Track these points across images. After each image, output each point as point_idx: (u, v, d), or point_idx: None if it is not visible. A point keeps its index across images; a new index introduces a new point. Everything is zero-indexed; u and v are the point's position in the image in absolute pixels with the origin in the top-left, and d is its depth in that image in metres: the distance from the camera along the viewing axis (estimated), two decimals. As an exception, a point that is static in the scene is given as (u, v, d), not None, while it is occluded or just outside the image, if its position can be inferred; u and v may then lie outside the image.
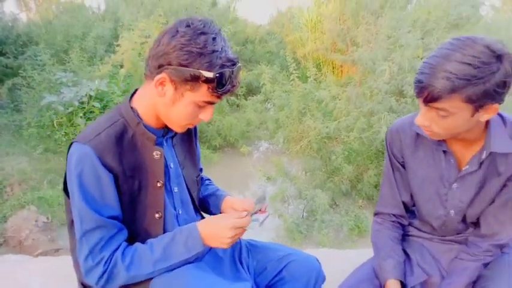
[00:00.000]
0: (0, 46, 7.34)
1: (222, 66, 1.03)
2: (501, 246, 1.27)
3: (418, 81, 1.07)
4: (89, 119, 5.81)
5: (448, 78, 1.02)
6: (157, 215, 1.16)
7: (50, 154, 5.60)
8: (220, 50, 1.03)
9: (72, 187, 1.07)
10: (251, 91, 7.37)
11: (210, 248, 1.32)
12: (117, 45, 6.07)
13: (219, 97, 1.08)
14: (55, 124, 5.76)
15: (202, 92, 1.05)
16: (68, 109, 5.71)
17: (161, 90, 1.08)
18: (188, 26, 1.05)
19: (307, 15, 7.72)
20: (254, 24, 9.12)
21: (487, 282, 1.16)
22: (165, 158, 1.19)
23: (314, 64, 6.76)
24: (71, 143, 1.10)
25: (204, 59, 1.02)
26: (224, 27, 7.29)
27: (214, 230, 1.10)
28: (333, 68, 7.32)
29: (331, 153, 4.82)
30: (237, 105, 6.84)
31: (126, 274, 1.06)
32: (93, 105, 5.76)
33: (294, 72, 5.99)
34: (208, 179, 1.54)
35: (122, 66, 6.23)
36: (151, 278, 1.10)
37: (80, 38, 7.26)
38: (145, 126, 1.15)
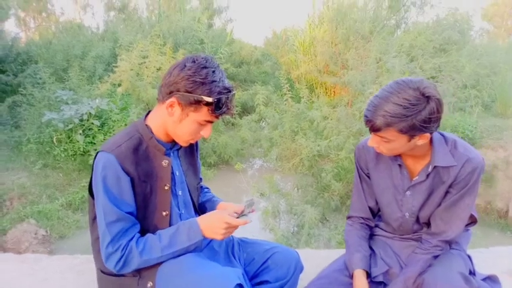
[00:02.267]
0: (0, 64, 7.64)
1: (220, 93, 1.32)
2: (449, 242, 1.56)
3: (365, 116, 1.41)
4: (87, 135, 6.11)
5: (384, 116, 1.34)
6: (164, 213, 1.44)
7: (48, 170, 5.86)
8: (218, 80, 1.34)
9: (98, 187, 1.35)
10: (246, 110, 7.71)
11: (209, 242, 1.61)
12: (116, 66, 6.38)
13: (217, 117, 1.36)
14: (54, 140, 6.05)
15: (203, 113, 1.34)
16: (67, 126, 6.00)
17: (171, 111, 1.36)
18: (194, 61, 1.36)
19: (301, 38, 8.13)
20: (250, 46, 9.55)
21: (429, 268, 1.45)
22: (172, 166, 1.48)
23: (307, 85, 7.13)
24: (97, 152, 1.39)
25: (205, 87, 1.31)
26: (220, 49, 7.68)
27: (210, 223, 1.38)
28: (325, 89, 7.69)
29: (322, 171, 5.11)
30: (232, 124, 7.15)
31: (139, 258, 1.33)
32: (92, 123, 6.06)
33: (287, 92, 6.35)
34: (207, 188, 1.85)
35: (119, 85, 6.54)
36: (160, 264, 1.38)
37: (79, 57, 7.61)
38: (157, 140, 1.44)
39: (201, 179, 1.76)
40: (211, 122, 1.39)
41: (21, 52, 8.16)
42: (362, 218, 1.71)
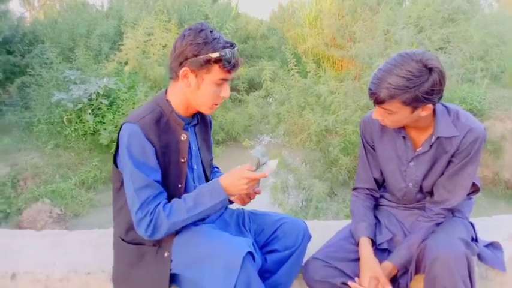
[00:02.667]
0: (7, 45, 7.70)
1: (224, 47, 1.39)
2: (451, 210, 1.63)
3: (369, 89, 1.46)
4: (97, 115, 6.20)
5: (388, 88, 1.38)
6: (180, 185, 1.53)
7: (60, 149, 5.99)
8: (218, 37, 1.42)
9: (124, 156, 1.42)
10: (253, 86, 7.72)
11: (221, 214, 1.70)
12: (122, 44, 6.42)
13: (229, 72, 1.41)
14: (64, 121, 6.15)
15: (216, 71, 1.40)
16: (76, 106, 6.09)
17: (187, 82, 1.43)
18: (190, 29, 1.45)
19: (308, 10, 8.05)
20: (256, 20, 9.47)
21: (431, 234, 1.52)
22: (189, 141, 1.55)
23: (314, 59, 7.10)
24: (122, 124, 1.47)
25: (209, 46, 1.38)
26: (226, 24, 7.65)
27: (231, 181, 1.44)
28: (333, 63, 7.66)
29: (329, 146, 5.17)
30: (240, 101, 7.18)
31: (167, 221, 1.40)
32: (101, 102, 6.14)
33: (294, 68, 6.34)
34: (217, 167, 1.92)
35: (126, 64, 6.59)
36: (176, 235, 1.47)
37: (84, 36, 7.63)
38: (176, 115, 1.52)
39: (212, 157, 1.84)
40: (226, 80, 1.45)
41: (27, 32, 8.20)
42: (367, 189, 1.78)
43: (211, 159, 1.76)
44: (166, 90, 1.55)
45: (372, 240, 1.63)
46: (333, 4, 7.25)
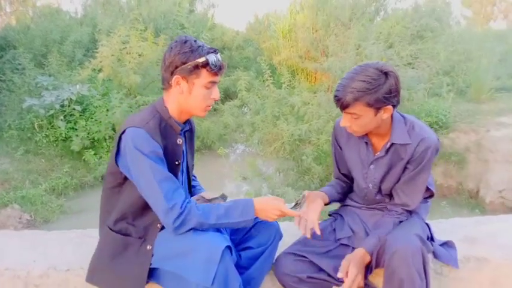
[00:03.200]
0: (-23, 50, 7.59)
1: (208, 52, 1.53)
2: (411, 212, 1.80)
3: (335, 96, 1.63)
4: (69, 121, 6.19)
5: (351, 92, 1.55)
6: None
7: (30, 155, 5.95)
8: (202, 45, 1.57)
9: (135, 157, 1.50)
10: (228, 96, 7.86)
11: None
12: (97, 52, 6.44)
13: (216, 74, 1.56)
14: (36, 127, 6.12)
15: (204, 75, 1.54)
16: (48, 112, 6.08)
17: (179, 88, 1.56)
18: (176, 41, 1.59)
19: (283, 23, 8.29)
20: (231, 31, 9.65)
21: (391, 232, 1.68)
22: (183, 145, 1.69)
23: (289, 71, 7.32)
24: (123, 130, 1.56)
25: (195, 53, 1.52)
26: (202, 34, 7.79)
27: (265, 207, 1.57)
28: (307, 74, 7.90)
29: (302, 155, 5.35)
30: (215, 110, 7.28)
31: (197, 220, 1.48)
32: (73, 108, 6.15)
33: (269, 78, 6.53)
34: (194, 176, 2.03)
35: (100, 71, 6.62)
36: (161, 230, 1.59)
37: (58, 42, 7.61)
38: (174, 120, 1.64)
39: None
40: (214, 82, 1.59)
41: (-2, 37, 8.11)
42: (338, 179, 1.99)
43: (193, 165, 1.88)
44: (163, 98, 1.68)
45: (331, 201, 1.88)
46: (307, 18, 7.52)
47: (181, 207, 1.49)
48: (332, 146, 1.94)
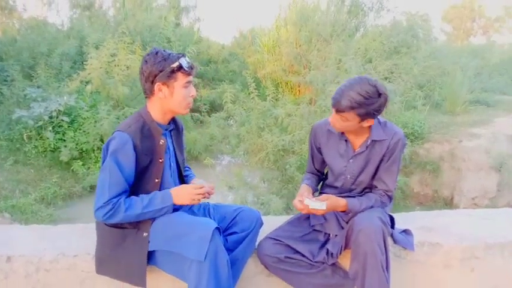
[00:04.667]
0: (-36, 62, 7.80)
1: (178, 57, 1.84)
2: (389, 195, 2.10)
3: (333, 98, 1.97)
4: (57, 132, 6.45)
5: (350, 100, 1.90)
6: (156, 180, 1.95)
7: (20, 166, 6.17)
8: (171, 53, 1.86)
9: (109, 153, 1.83)
10: (214, 108, 8.19)
11: (190, 207, 2.13)
12: (85, 64, 6.73)
13: (190, 74, 1.87)
14: (25, 137, 6.36)
15: (180, 77, 1.85)
16: (37, 123, 6.33)
17: (162, 94, 1.86)
18: (148, 54, 1.91)
19: (267, 38, 8.71)
20: (217, 44, 10.04)
21: (357, 215, 2.01)
22: (167, 144, 2.00)
23: (273, 84, 7.70)
24: (113, 132, 1.90)
25: (168, 60, 1.83)
26: (188, 48, 8.14)
27: (180, 193, 1.90)
28: (291, 88, 8.30)
29: (286, 164, 5.68)
30: (201, 121, 7.61)
31: (123, 214, 1.77)
32: (62, 120, 6.41)
33: (253, 91, 6.90)
34: (188, 167, 2.36)
35: (88, 83, 6.90)
36: (154, 220, 1.90)
37: (45, 54, 7.87)
38: (156, 123, 1.96)
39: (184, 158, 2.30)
40: (190, 81, 1.91)
41: (-15, 49, 8.33)
42: (312, 173, 2.34)
43: (184, 159, 2.20)
44: (146, 105, 2.00)
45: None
46: (290, 33, 7.94)
47: (113, 204, 1.80)
48: (310, 146, 2.29)
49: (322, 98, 5.72)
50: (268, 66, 8.25)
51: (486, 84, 8.35)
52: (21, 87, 6.80)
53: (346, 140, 2.14)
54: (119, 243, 1.91)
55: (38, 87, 6.99)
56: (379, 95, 1.92)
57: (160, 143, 1.95)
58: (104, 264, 1.95)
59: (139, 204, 1.85)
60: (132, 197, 1.89)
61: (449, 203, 5.79)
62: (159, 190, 1.97)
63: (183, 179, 2.18)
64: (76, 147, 6.33)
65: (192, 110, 7.68)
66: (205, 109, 7.73)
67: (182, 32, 9.64)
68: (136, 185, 1.92)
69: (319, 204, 1.94)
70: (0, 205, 5.29)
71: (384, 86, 1.97)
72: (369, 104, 1.89)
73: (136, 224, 1.90)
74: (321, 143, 2.22)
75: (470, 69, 7.90)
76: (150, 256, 1.90)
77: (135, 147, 1.86)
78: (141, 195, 1.90)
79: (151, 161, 1.92)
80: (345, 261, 2.08)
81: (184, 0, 10.41)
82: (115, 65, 6.85)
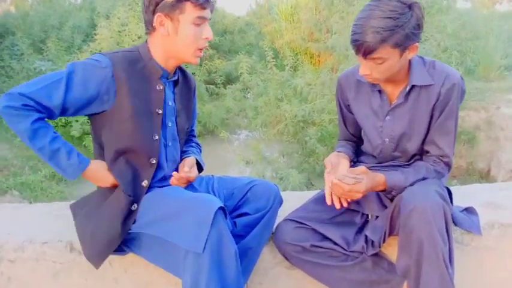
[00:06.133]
0: (-24, 38, 7.44)
1: None
2: (447, 164, 1.54)
3: (354, 41, 1.36)
4: (68, 107, 6.01)
5: (376, 32, 1.28)
6: (155, 137, 1.42)
7: (29, 142, 5.78)
8: None
9: (71, 65, 1.34)
10: (230, 81, 7.63)
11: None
12: (96, 34, 6.26)
13: (203, 7, 1.35)
14: (34, 112, 5.94)
15: (190, 9, 1.34)
16: (47, 97, 5.89)
17: (164, 29, 1.36)
18: None
19: (285, 6, 8.03)
20: (232, 15, 9.40)
21: (406, 189, 1.41)
22: (165, 95, 1.46)
23: (292, 54, 7.07)
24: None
25: None
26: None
27: (98, 173, 1.40)
28: (310, 57, 7.65)
29: (306, 136, 5.14)
30: (217, 94, 7.09)
31: (28, 126, 1.26)
32: (72, 93, 5.96)
33: (271, 60, 6.30)
34: (197, 144, 1.79)
35: (99, 55, 6.43)
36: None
37: (56, 28, 7.43)
38: (156, 63, 1.42)
39: (193, 130, 1.77)
40: (203, 18, 1.38)
41: (-2, 25, 7.94)
42: (347, 140, 1.77)
43: (189, 128, 1.66)
44: (146, 41, 1.47)
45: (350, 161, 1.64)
46: (309, -1, 7.26)
47: (27, 105, 1.28)
48: (337, 104, 1.72)
49: (345, 63, 5.09)
50: (286, 35, 7.60)
51: (521, 49, 7.54)
52: (30, 61, 6.36)
53: (379, 91, 1.55)
54: (99, 202, 1.45)
55: (49, 60, 6.55)
56: (409, 6, 1.32)
57: (158, 88, 1.43)
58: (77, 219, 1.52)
59: (46, 139, 1.31)
60: (51, 126, 1.34)
61: (485, 176, 5.16)
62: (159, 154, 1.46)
63: (180, 155, 1.64)
64: (87, 122, 5.86)
65: (207, 82, 7.16)
66: (221, 81, 7.16)
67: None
68: (129, 140, 1.40)
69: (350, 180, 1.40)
70: (9, 183, 4.92)
71: None
72: (403, 24, 1.30)
73: (132, 191, 1.41)
74: (349, 98, 1.64)
75: (504, 34, 7.10)
76: (132, 240, 1.42)
77: (114, 78, 1.34)
78: (59, 136, 1.36)
79: (143, 110, 1.39)
80: (391, 249, 1.54)
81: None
82: (125, 35, 6.33)
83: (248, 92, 7.34)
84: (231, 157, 6.11)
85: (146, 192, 1.42)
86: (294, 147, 5.67)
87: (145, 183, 1.43)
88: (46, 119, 1.35)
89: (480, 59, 6.36)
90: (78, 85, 1.33)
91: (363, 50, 1.34)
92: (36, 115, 1.30)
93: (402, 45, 1.34)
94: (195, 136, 1.81)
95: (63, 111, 1.36)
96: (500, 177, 4.96)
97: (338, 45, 5.33)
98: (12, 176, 5.11)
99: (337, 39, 5.37)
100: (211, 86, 7.03)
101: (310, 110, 5.08)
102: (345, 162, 1.55)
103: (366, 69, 1.42)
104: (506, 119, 5.06)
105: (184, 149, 1.68)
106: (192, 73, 6.77)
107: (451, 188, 1.69)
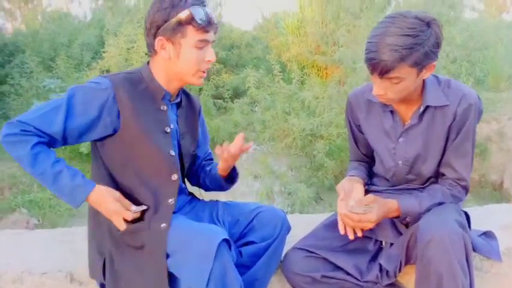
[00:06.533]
0: (-13, 56, 7.49)
1: (192, 4, 1.28)
2: (464, 187, 1.46)
3: (370, 59, 1.28)
4: (77, 123, 5.99)
5: (394, 50, 1.21)
6: (172, 153, 1.37)
7: (39, 159, 5.76)
8: None
9: (70, 90, 1.29)
10: (238, 95, 7.60)
11: (192, 208, 1.54)
12: (104, 52, 6.28)
13: (205, 31, 1.30)
14: (43, 129, 5.94)
15: (191, 33, 1.29)
16: (56, 114, 5.89)
17: (165, 53, 1.32)
18: None
19: (291, 19, 8.00)
20: (239, 30, 9.39)
21: (423, 217, 1.33)
22: (169, 117, 1.40)
23: (299, 67, 7.02)
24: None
25: (177, 7, 1.28)
26: (210, 32, 7.54)
27: (104, 199, 1.28)
28: (317, 70, 7.59)
29: (314, 150, 5.05)
30: (224, 108, 7.05)
31: (28, 152, 1.21)
32: (81, 110, 5.95)
33: (278, 74, 6.25)
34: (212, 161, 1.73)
35: (108, 71, 6.44)
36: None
37: (66, 45, 7.47)
38: (158, 85, 1.37)
39: (210, 153, 1.71)
40: (206, 41, 1.33)
41: (8, 43, 7.99)
42: (359, 161, 1.69)
43: (194, 151, 1.59)
44: (148, 62, 1.42)
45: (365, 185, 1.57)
46: (315, 12, 7.21)
47: (26, 131, 1.23)
48: (347, 124, 1.64)
49: (353, 76, 5.01)
50: (293, 48, 7.55)
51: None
52: (40, 79, 6.39)
53: (391, 112, 1.47)
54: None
55: (58, 78, 6.56)
56: (428, 23, 1.24)
57: (162, 108, 1.37)
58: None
59: (48, 163, 1.25)
60: (53, 151, 1.29)
61: (498, 188, 5.01)
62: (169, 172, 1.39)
63: (184, 179, 1.57)
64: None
65: (215, 97, 7.12)
66: (229, 95, 7.13)
67: (204, 18, 9.03)
68: (145, 158, 1.34)
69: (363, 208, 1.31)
70: (17, 200, 4.89)
71: (426, 12, 1.29)
72: (422, 42, 1.22)
73: (153, 213, 1.34)
74: (359, 119, 1.56)
75: (512, 43, 6.98)
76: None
77: (116, 100, 1.29)
78: (62, 160, 1.29)
79: (153, 128, 1.35)
80: (407, 278, 1.44)
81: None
82: (134, 52, 6.33)
83: (256, 106, 7.30)
84: (239, 171, 6.04)
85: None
86: (302, 160, 5.59)
87: (171, 201, 1.36)
88: (47, 145, 1.30)
89: (489, 69, 6.24)
90: (79, 109, 1.28)
91: (380, 69, 1.27)
92: (36, 139, 1.25)
93: (420, 64, 1.27)
94: (212, 160, 1.74)
95: (66, 138, 1.31)
96: (513, 189, 4.82)
97: (345, 58, 5.26)
98: (20, 194, 5.08)
99: (344, 52, 5.30)
100: (219, 101, 7.00)
101: (318, 124, 5.00)
102: (358, 187, 1.47)
103: (380, 89, 1.34)
104: (518, 131, 4.94)
105: (212, 167, 1.63)
106: (199, 88, 6.76)
107: (468, 210, 1.60)
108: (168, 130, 1.38)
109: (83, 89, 1.30)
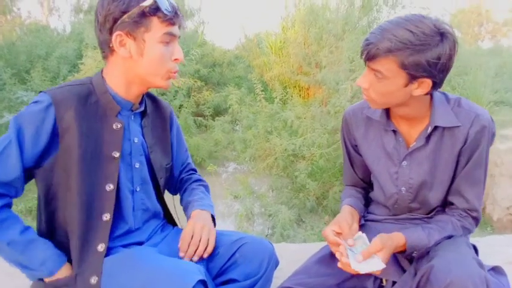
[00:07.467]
0: (-42, 66, 7.12)
1: None
2: (475, 218, 1.31)
3: (366, 40, 1.16)
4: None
5: (388, 39, 1.10)
6: (108, 187, 1.14)
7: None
8: None
9: (13, 123, 1.08)
10: (219, 113, 7.43)
11: (165, 236, 1.32)
12: (81, 64, 6.04)
13: (172, 23, 1.12)
14: (13, 143, 5.62)
15: (156, 26, 1.10)
16: (27, 128, 5.59)
17: (125, 51, 1.11)
18: None
19: (274, 40, 7.94)
20: (221, 49, 9.28)
21: (438, 254, 1.15)
22: (128, 132, 1.20)
23: (281, 87, 6.91)
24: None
25: None
26: (192, 50, 7.39)
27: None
28: (299, 90, 7.49)
29: (296, 171, 4.88)
30: (205, 126, 6.86)
31: None
32: (54, 124, 5.66)
33: (260, 93, 6.10)
34: (202, 182, 1.51)
35: (85, 86, 6.18)
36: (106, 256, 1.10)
37: (43, 58, 7.18)
38: (114, 97, 1.16)
39: (194, 169, 1.53)
40: (172, 34, 1.13)
41: (-18, 54, 7.65)
42: (355, 186, 1.51)
43: (168, 164, 1.37)
44: (102, 69, 1.20)
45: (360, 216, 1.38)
46: (298, 34, 7.15)
47: None
48: (342, 144, 1.46)
49: (336, 98, 4.89)
50: (275, 68, 7.45)
51: (508, 84, 7.48)
52: (13, 91, 6.07)
53: (394, 131, 1.30)
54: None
55: (33, 90, 6.26)
56: (442, 36, 1.09)
57: (114, 127, 1.15)
58: None
59: (16, 230, 1.07)
60: (16, 216, 1.10)
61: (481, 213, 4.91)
62: (119, 203, 1.16)
63: (162, 198, 1.35)
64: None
65: (195, 114, 6.91)
66: (209, 113, 6.94)
67: (186, 34, 8.89)
68: (73, 193, 1.10)
69: (373, 264, 1.12)
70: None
71: (450, 26, 1.14)
72: (423, 48, 1.08)
73: (80, 262, 1.09)
74: (357, 138, 1.38)
75: (491, 69, 7.06)
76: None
77: (56, 121, 1.07)
78: (31, 229, 1.10)
79: (95, 153, 1.12)
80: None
81: (188, 3, 9.68)
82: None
83: (237, 125, 7.12)
84: (219, 191, 5.80)
85: (106, 255, 1.12)
86: (283, 181, 5.40)
87: (101, 247, 1.12)
88: (11, 206, 1.11)
89: (469, 94, 6.24)
90: (28, 143, 1.08)
91: (367, 51, 1.14)
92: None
93: (410, 71, 1.11)
94: (195, 170, 1.53)
95: (27, 178, 1.13)
96: (495, 215, 4.73)
97: (328, 79, 5.16)
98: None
99: (326, 73, 5.20)
100: (200, 118, 6.80)
101: (301, 144, 4.83)
102: (354, 226, 1.28)
103: (365, 81, 1.20)
104: (500, 155, 4.88)
105: (186, 195, 1.40)
106: (180, 105, 6.55)
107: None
108: (117, 155, 1.16)
109: (27, 117, 1.08)
